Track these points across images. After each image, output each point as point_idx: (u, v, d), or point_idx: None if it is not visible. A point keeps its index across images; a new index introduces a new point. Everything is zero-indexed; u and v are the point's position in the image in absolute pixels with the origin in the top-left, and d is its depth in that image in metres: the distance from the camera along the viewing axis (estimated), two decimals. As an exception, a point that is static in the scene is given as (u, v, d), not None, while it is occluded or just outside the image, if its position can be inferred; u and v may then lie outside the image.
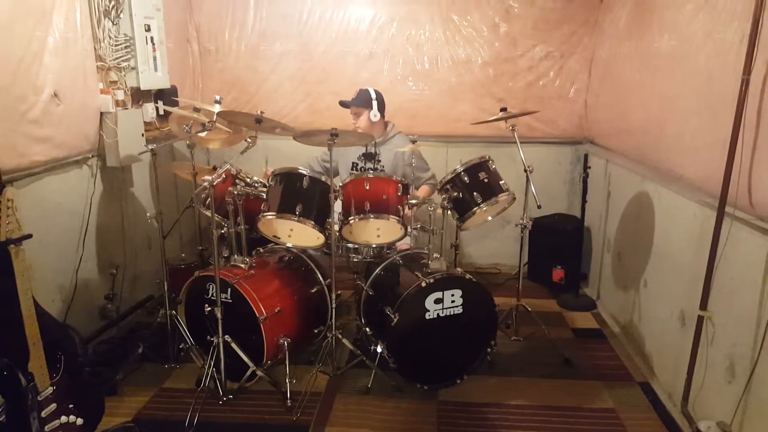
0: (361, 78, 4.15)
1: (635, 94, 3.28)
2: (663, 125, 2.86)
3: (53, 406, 1.97)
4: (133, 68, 3.27)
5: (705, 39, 2.43)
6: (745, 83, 2.02)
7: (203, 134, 2.88)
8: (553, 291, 4.02)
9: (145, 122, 3.41)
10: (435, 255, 2.76)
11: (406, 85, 4.22)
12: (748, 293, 2.03)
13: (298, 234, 2.81)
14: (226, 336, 2.63)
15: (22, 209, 1.88)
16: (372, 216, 2.69)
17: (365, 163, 3.35)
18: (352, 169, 3.45)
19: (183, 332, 2.88)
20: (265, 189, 2.80)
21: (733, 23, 2.20)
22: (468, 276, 2.73)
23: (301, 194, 2.67)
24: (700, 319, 2.32)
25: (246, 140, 2.67)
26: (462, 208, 2.85)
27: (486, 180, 2.83)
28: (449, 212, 2.83)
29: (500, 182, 2.88)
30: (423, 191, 3.38)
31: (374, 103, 3.32)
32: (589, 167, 3.71)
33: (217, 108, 2.74)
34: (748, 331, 2.02)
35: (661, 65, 2.91)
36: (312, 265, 3.03)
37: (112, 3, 3.10)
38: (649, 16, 3.08)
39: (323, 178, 2.72)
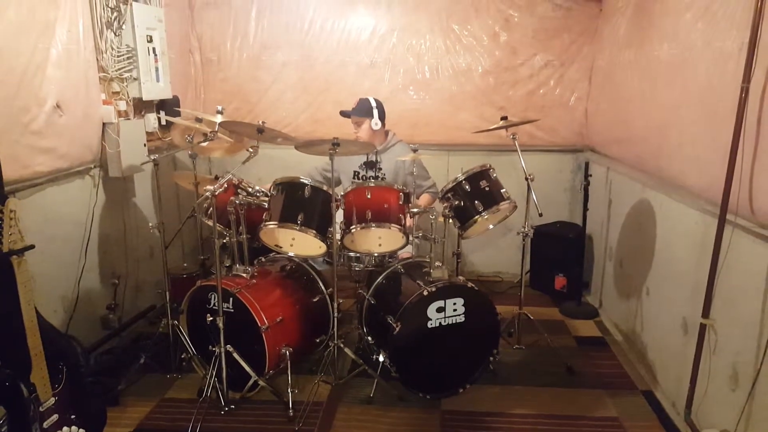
0: (363, 87, 4.17)
1: (635, 102, 3.29)
2: (663, 133, 2.86)
3: (55, 416, 1.97)
4: (135, 79, 3.30)
5: (704, 47, 2.44)
6: (745, 91, 2.03)
7: (205, 144, 2.89)
8: (556, 299, 4.01)
9: (147, 132, 3.42)
10: (437, 263, 2.76)
11: (407, 94, 4.24)
12: (750, 301, 2.02)
13: (299, 243, 2.81)
14: (228, 346, 2.63)
15: (24, 220, 1.89)
16: (373, 225, 2.69)
17: (367, 172, 3.36)
18: (353, 178, 3.46)
19: (185, 342, 2.88)
20: (266, 198, 2.80)
21: (732, 31, 2.21)
22: (470, 284, 2.73)
23: (302, 203, 2.68)
24: (702, 327, 2.31)
25: (248, 150, 2.68)
26: (463, 217, 2.86)
27: (487, 188, 2.84)
28: (450, 220, 2.83)
29: (501, 190, 2.89)
30: (424, 200, 3.39)
31: (375, 112, 3.32)
32: (590, 175, 3.71)
33: (219, 118, 2.75)
34: (751, 338, 2.01)
35: (661, 73, 2.91)
36: (314, 274, 3.03)
37: (115, 14, 3.13)
38: (649, 24, 3.09)
39: (325, 187, 2.72)
